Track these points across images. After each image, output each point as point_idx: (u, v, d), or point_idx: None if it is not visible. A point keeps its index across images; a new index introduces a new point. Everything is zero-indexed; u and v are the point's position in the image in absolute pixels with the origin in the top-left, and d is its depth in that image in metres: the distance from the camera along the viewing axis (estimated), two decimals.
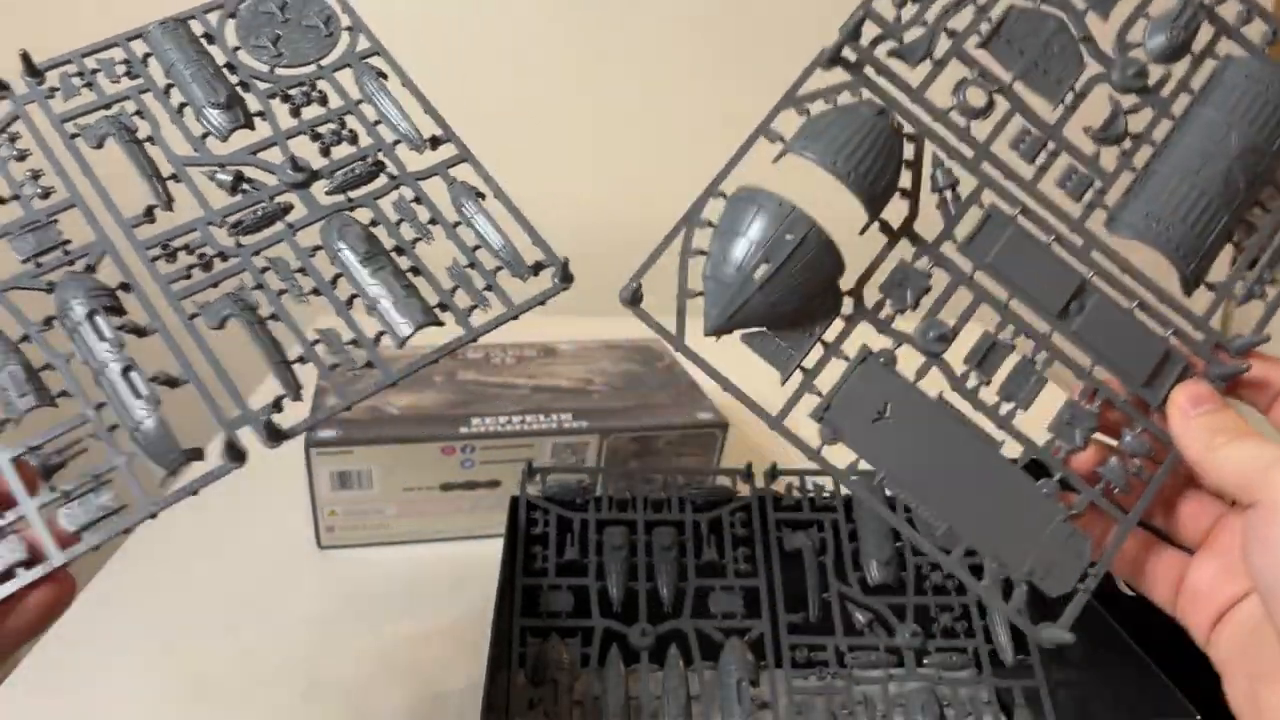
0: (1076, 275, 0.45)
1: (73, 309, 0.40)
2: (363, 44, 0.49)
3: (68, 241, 0.42)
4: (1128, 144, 0.46)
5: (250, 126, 0.46)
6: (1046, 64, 0.46)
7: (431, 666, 0.67)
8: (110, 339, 0.40)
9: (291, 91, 0.47)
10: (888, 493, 0.42)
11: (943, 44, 0.46)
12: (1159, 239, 0.44)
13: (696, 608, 0.59)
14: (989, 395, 0.44)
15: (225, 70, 0.47)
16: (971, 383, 0.44)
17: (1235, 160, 0.45)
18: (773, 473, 0.65)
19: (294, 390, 0.40)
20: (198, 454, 0.38)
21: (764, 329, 0.43)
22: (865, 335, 0.44)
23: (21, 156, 0.43)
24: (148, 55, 0.46)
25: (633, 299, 0.41)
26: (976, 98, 0.45)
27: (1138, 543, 0.47)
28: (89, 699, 0.59)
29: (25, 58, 0.44)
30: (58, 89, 0.45)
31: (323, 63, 0.48)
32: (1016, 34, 0.46)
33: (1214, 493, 0.47)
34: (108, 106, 0.45)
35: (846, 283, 0.44)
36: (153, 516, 0.37)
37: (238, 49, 0.47)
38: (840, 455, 0.43)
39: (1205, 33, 0.47)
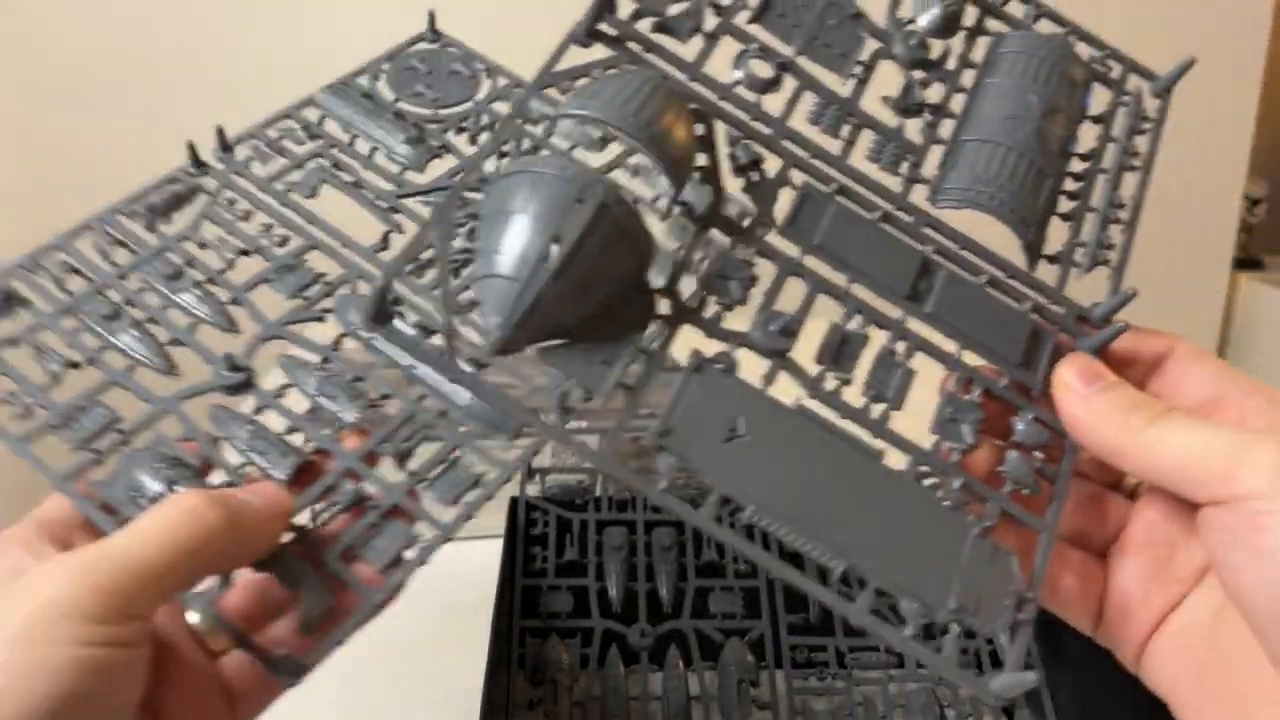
0: (916, 253, 0.38)
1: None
2: (502, 80, 0.52)
3: (323, 274, 0.43)
4: (929, 116, 0.41)
5: (439, 156, 0.49)
6: (827, 38, 0.41)
7: (431, 667, 0.67)
8: None
9: (464, 124, 0.50)
10: (754, 522, 0.32)
11: (712, 19, 0.39)
12: (991, 202, 0.38)
13: (696, 608, 0.59)
14: (854, 397, 0.35)
15: (397, 116, 0.50)
16: (830, 384, 0.35)
17: (1042, 120, 0.40)
18: None
19: None
20: (534, 415, 0.32)
21: (566, 341, 0.32)
22: (694, 343, 0.34)
23: (245, 216, 0.45)
24: (323, 117, 0.49)
25: (377, 316, 0.30)
26: (762, 69, 0.39)
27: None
28: None
29: (220, 134, 0.47)
30: (252, 158, 0.47)
31: (477, 98, 0.51)
32: (788, 8, 0.41)
33: (1107, 480, 0.40)
34: (301, 165, 0.47)
35: (657, 284, 0.34)
36: (507, 481, 0.38)
37: (397, 99, 0.51)
38: None
39: (973, 14, 0.44)
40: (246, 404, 0.39)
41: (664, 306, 0.34)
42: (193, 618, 0.35)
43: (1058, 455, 0.36)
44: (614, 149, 0.42)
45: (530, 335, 0.31)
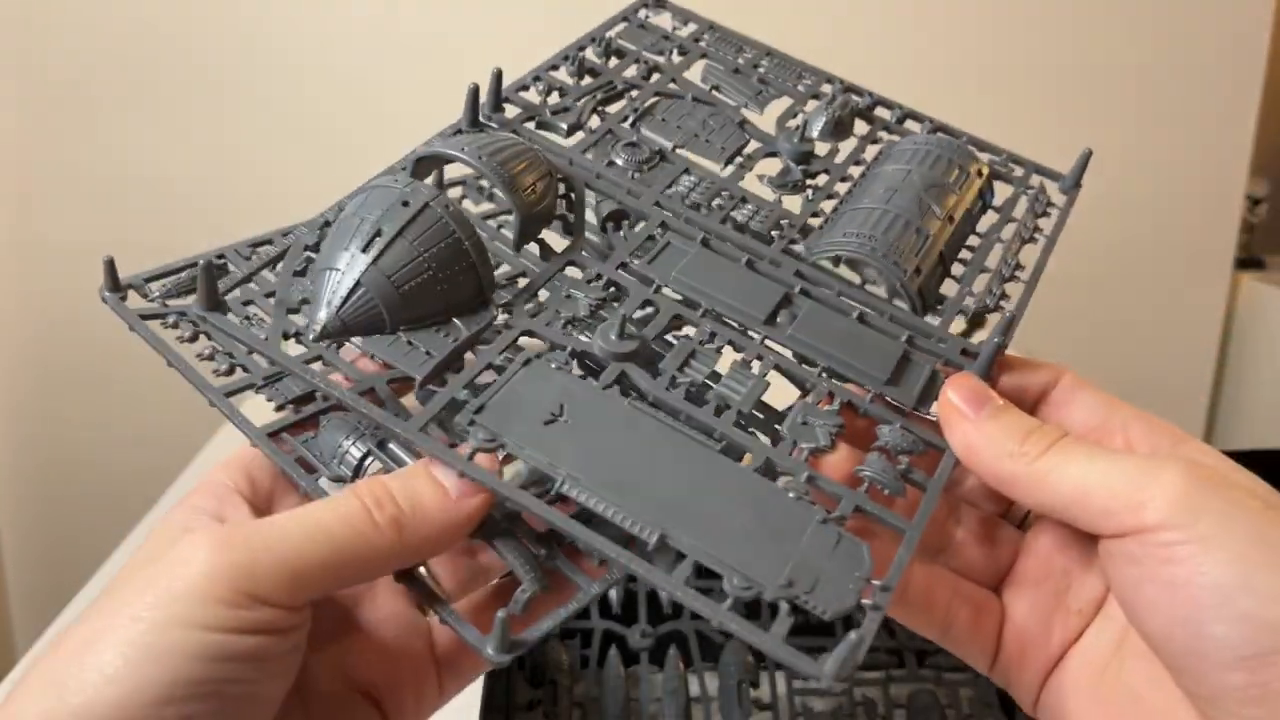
0: (779, 287, 0.38)
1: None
2: None
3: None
4: (810, 194, 0.43)
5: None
6: (708, 135, 0.44)
7: None
8: None
9: None
10: (564, 492, 0.30)
11: (596, 120, 0.44)
12: (861, 248, 0.39)
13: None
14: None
15: None
16: (679, 382, 0.35)
17: (923, 191, 0.42)
18: None
19: None
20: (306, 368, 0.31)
21: (390, 333, 0.33)
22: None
23: None
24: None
25: (208, 302, 0.32)
26: (639, 154, 0.42)
27: (931, 580, 0.34)
28: None
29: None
30: None
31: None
32: (671, 115, 0.45)
33: (995, 509, 0.37)
34: None
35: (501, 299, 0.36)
36: None
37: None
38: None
39: (863, 128, 0.47)
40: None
41: (502, 316, 0.35)
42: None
43: (929, 466, 0.34)
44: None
45: (354, 325, 0.33)
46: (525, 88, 0.44)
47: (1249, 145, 1.13)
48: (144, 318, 0.34)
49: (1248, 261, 1.20)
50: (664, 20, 0.50)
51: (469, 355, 0.34)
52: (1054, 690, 0.33)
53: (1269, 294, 1.18)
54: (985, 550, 0.36)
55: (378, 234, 0.33)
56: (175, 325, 0.34)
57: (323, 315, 0.33)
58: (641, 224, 0.40)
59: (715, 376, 0.35)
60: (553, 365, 0.34)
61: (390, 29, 1.15)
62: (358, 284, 0.33)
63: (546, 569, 0.32)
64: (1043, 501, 0.32)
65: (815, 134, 0.46)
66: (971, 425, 0.33)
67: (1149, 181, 1.15)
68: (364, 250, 0.33)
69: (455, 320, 0.34)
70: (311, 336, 0.33)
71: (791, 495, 0.32)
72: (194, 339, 0.34)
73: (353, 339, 0.33)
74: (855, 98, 0.48)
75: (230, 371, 0.34)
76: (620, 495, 0.30)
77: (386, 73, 1.17)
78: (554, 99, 0.44)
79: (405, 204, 0.34)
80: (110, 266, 0.34)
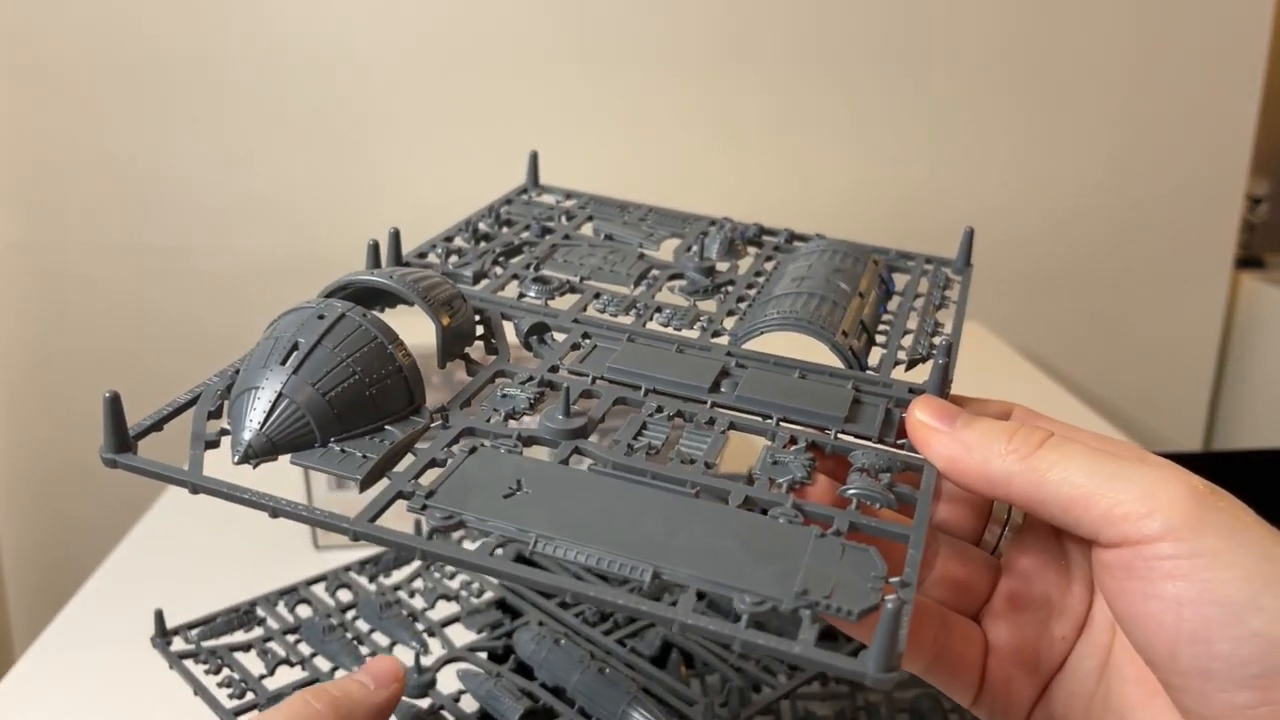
0: (715, 362, 0.38)
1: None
2: None
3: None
4: (722, 296, 0.44)
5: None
6: (612, 267, 0.45)
7: None
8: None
9: None
10: (540, 551, 0.27)
11: (500, 270, 0.44)
12: (787, 322, 0.39)
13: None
14: (658, 464, 0.32)
15: None
16: (636, 448, 0.33)
17: (830, 274, 0.43)
18: None
19: None
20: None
21: (321, 446, 0.31)
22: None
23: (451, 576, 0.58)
24: None
25: (116, 445, 0.30)
26: (549, 285, 0.42)
27: (917, 610, 0.33)
28: (86, 697, 0.60)
29: None
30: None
31: None
32: (572, 257, 0.45)
33: (965, 535, 0.36)
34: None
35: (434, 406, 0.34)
36: None
37: None
38: None
39: (768, 245, 0.49)
40: (424, 702, 0.46)
41: (439, 419, 0.33)
42: None
43: (911, 483, 0.32)
44: None
45: (282, 440, 0.30)
46: (424, 255, 0.44)
47: (1249, 145, 1.14)
48: (181, 657, 0.47)
49: (1248, 261, 1.21)
50: (548, 199, 0.52)
51: (410, 458, 0.32)
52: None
53: (1269, 294, 1.17)
54: (963, 579, 0.34)
55: (295, 347, 0.31)
56: (204, 661, 0.47)
57: (246, 435, 0.30)
58: (564, 336, 0.39)
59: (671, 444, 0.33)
60: (502, 450, 0.32)
61: (391, 28, 1.18)
62: (280, 396, 0.30)
63: None
64: (1040, 501, 0.30)
65: (714, 255, 0.47)
66: (949, 437, 0.32)
67: (1149, 181, 1.15)
68: (282, 363, 0.31)
69: (389, 428, 0.32)
70: (235, 459, 0.30)
71: (782, 521, 0.29)
72: (217, 671, 0.47)
73: (283, 455, 0.30)
74: (741, 227, 0.50)
75: (241, 695, 0.45)
76: (602, 544, 0.27)
77: (388, 73, 1.19)
78: (454, 261, 0.44)
79: (321, 317, 0.32)
80: (159, 618, 0.49)
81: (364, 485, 0.30)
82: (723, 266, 0.46)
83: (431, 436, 0.33)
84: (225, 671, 0.46)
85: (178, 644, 0.49)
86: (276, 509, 0.28)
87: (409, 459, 0.31)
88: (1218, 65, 1.15)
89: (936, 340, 0.41)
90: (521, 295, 0.41)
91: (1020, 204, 1.19)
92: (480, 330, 0.39)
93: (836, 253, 0.45)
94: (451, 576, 0.57)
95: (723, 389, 0.36)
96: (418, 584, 0.56)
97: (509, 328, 0.39)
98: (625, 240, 0.48)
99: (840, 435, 0.34)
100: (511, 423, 0.33)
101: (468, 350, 0.38)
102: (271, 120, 1.21)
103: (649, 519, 0.29)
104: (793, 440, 0.34)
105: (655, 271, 0.45)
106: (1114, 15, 1.17)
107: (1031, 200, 1.18)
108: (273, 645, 0.49)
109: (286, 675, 0.47)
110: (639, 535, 0.28)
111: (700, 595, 0.26)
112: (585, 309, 0.41)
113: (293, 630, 0.51)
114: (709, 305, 0.43)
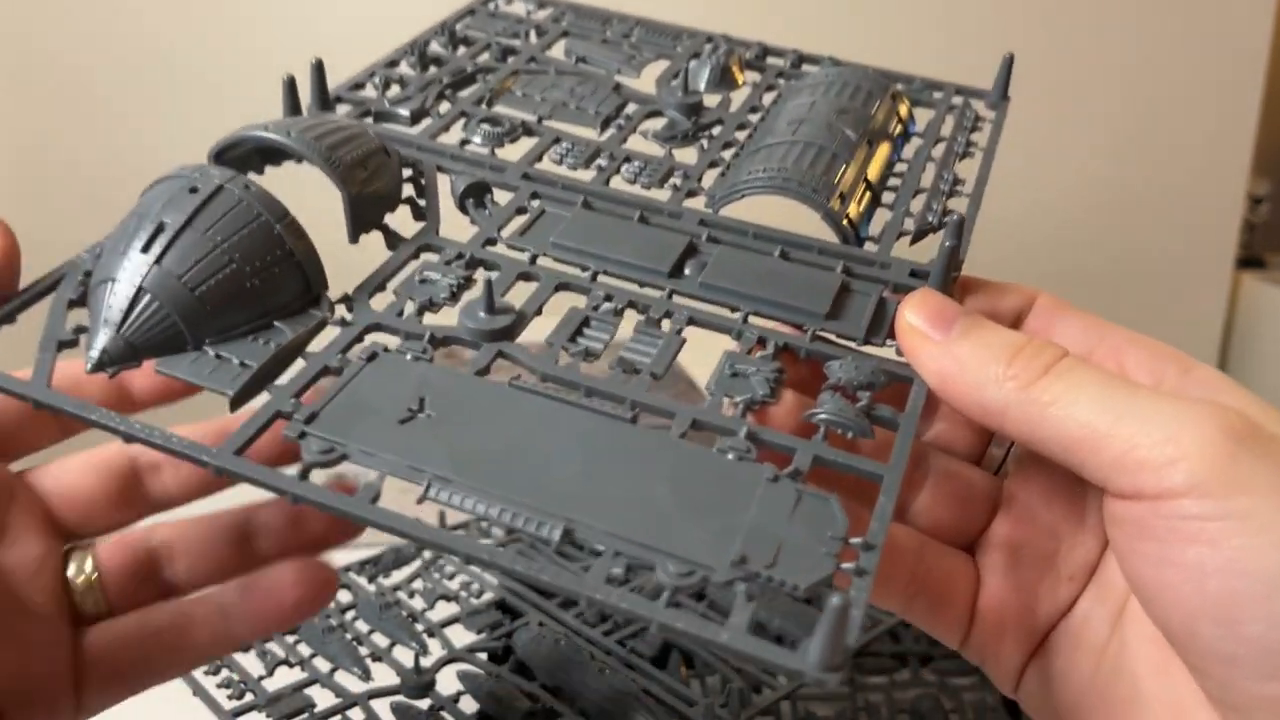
0: (682, 236, 0.32)
1: None
2: None
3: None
4: (704, 144, 0.37)
5: None
6: (578, 103, 0.38)
7: None
8: None
9: None
10: (434, 498, 0.23)
11: (446, 105, 0.38)
12: (771, 182, 0.33)
13: None
14: (600, 369, 0.27)
15: None
16: (564, 360, 0.28)
17: (833, 116, 0.36)
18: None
19: None
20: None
21: (195, 350, 0.26)
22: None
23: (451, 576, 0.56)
24: None
25: None
26: (499, 129, 0.36)
27: (893, 541, 0.28)
28: None
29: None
30: None
31: None
32: (532, 89, 0.39)
33: (964, 452, 0.31)
34: None
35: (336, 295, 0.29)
36: None
37: None
38: None
39: (754, 78, 0.41)
40: (424, 703, 0.45)
41: (342, 311, 0.28)
42: (72, 569, 0.31)
43: (895, 401, 0.27)
44: None
45: (144, 343, 0.26)
46: (360, 86, 0.38)
47: (1250, 144, 1.12)
48: None
49: (1249, 261, 1.19)
50: (518, 8, 0.45)
51: (300, 363, 0.27)
52: (1039, 674, 0.28)
53: (1270, 294, 1.16)
54: (956, 504, 0.29)
55: (160, 229, 0.26)
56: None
57: (101, 339, 0.25)
58: (510, 197, 0.33)
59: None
60: (408, 357, 0.27)
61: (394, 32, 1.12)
62: (140, 291, 0.25)
63: None
64: (1040, 439, 0.25)
65: (702, 85, 0.40)
66: (940, 348, 0.26)
67: (1150, 180, 1.13)
68: (144, 250, 0.26)
69: (279, 324, 0.27)
70: (89, 367, 0.25)
71: (731, 457, 0.24)
72: (216, 672, 0.45)
73: (147, 362, 0.26)
74: (742, 48, 0.42)
75: (240, 696, 0.44)
76: (507, 490, 0.23)
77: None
78: (394, 92, 0.38)
79: (193, 190, 0.27)
80: None
81: (235, 403, 0.25)
82: (712, 100, 0.39)
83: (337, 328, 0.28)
84: (224, 672, 0.45)
85: None
86: (130, 434, 0.24)
87: (300, 364, 0.27)
88: (1218, 64, 1.10)
89: (954, 204, 0.34)
90: (465, 142, 0.35)
91: (1020, 204, 1.11)
92: (411, 190, 0.33)
93: (847, 85, 0.38)
94: (451, 577, 0.55)
95: (687, 272, 0.31)
96: (417, 584, 0.54)
97: (444, 185, 0.33)
98: (601, 64, 0.41)
99: (819, 335, 0.29)
100: (428, 317, 0.28)
101: (389, 218, 0.32)
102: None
103: (571, 453, 0.24)
104: (761, 342, 0.28)
105: (631, 108, 0.38)
106: (1114, 15, 1.10)
107: (1031, 200, 1.11)
108: (271, 646, 0.48)
109: (285, 676, 0.46)
110: (555, 476, 0.23)
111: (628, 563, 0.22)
112: (540, 159, 0.35)
113: (291, 631, 0.49)
114: (688, 154, 0.36)
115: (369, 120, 0.36)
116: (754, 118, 0.38)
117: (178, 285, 0.26)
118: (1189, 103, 1.11)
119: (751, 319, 0.29)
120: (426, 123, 0.36)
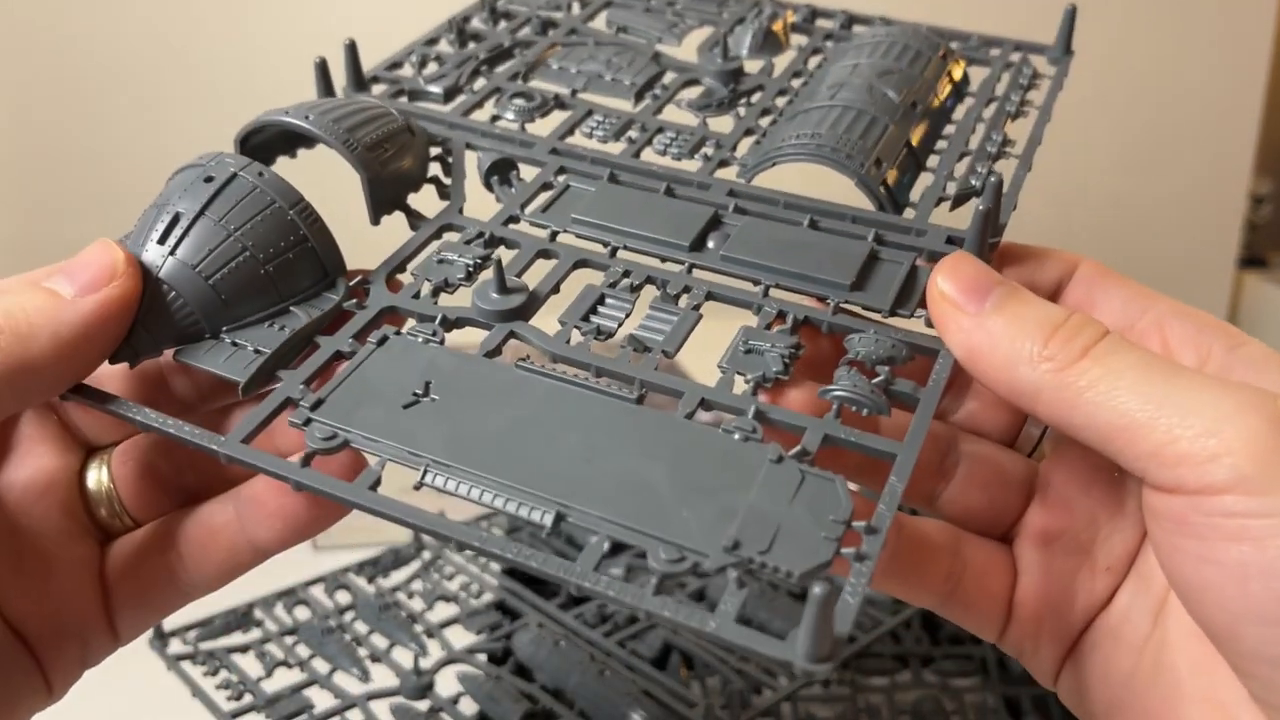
0: (706, 207, 0.31)
1: None
2: None
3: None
4: (741, 111, 0.36)
5: None
6: (614, 74, 0.37)
7: None
8: None
9: None
10: (430, 483, 0.23)
11: (481, 82, 0.37)
12: (804, 149, 0.32)
13: None
14: (608, 350, 0.27)
15: None
16: (575, 339, 0.27)
17: (875, 78, 0.34)
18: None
19: None
20: None
21: (212, 339, 0.27)
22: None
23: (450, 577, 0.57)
24: None
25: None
26: (531, 104, 0.36)
27: (925, 534, 0.27)
28: (85, 696, 0.47)
29: None
30: None
31: None
32: (569, 62, 0.38)
33: (997, 434, 0.30)
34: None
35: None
36: None
37: None
38: None
39: (801, 42, 0.40)
40: (423, 705, 0.46)
41: (363, 297, 0.28)
42: (91, 481, 0.29)
43: (919, 376, 0.26)
44: None
45: (165, 333, 0.26)
46: (398, 65, 0.38)
47: (1252, 144, 1.08)
48: (178, 659, 0.47)
49: (1251, 261, 1.15)
50: None
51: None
52: (1078, 669, 0.26)
53: (1272, 293, 1.13)
54: (989, 491, 0.28)
55: (175, 219, 0.27)
56: (202, 664, 0.47)
57: None
58: (537, 173, 0.33)
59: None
60: (419, 340, 0.27)
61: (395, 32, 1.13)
62: (156, 282, 0.26)
63: None
64: (1075, 425, 0.23)
65: (744, 51, 0.39)
66: (972, 321, 0.25)
67: (1151, 180, 1.10)
68: (160, 241, 0.26)
69: (295, 310, 0.27)
70: (111, 358, 0.26)
71: (737, 437, 0.24)
72: (215, 673, 0.47)
73: (167, 352, 0.26)
74: (789, 10, 0.41)
75: (239, 697, 0.45)
76: (504, 475, 0.23)
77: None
78: (431, 69, 0.37)
79: (209, 179, 0.27)
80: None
81: (247, 389, 0.25)
82: (754, 66, 0.38)
83: (351, 313, 0.28)
84: (223, 674, 0.46)
85: (175, 646, 0.48)
86: (146, 423, 0.25)
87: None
88: (1220, 63, 1.06)
89: (1001, 167, 0.33)
90: (495, 118, 0.35)
91: (1020, 203, 1.06)
92: (438, 169, 0.33)
93: (894, 45, 0.36)
94: (450, 578, 0.55)
95: (710, 245, 0.30)
96: (416, 585, 0.54)
97: (471, 163, 0.33)
98: (642, 34, 0.40)
99: (843, 307, 0.28)
100: (444, 298, 0.28)
101: (415, 198, 0.32)
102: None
103: (572, 436, 0.24)
104: (780, 316, 0.27)
105: (670, 77, 0.38)
106: (1114, 15, 1.05)
107: (1031, 200, 1.06)
108: (271, 647, 0.48)
109: (284, 677, 0.47)
110: (555, 460, 0.23)
111: (617, 546, 0.22)
112: (571, 133, 0.35)
113: (291, 632, 0.50)
114: (723, 123, 0.35)
115: (403, 99, 0.36)
116: (797, 83, 0.37)
117: (192, 275, 0.26)
118: (1191, 102, 1.09)
119: (773, 292, 0.28)
120: (460, 100, 0.36)
